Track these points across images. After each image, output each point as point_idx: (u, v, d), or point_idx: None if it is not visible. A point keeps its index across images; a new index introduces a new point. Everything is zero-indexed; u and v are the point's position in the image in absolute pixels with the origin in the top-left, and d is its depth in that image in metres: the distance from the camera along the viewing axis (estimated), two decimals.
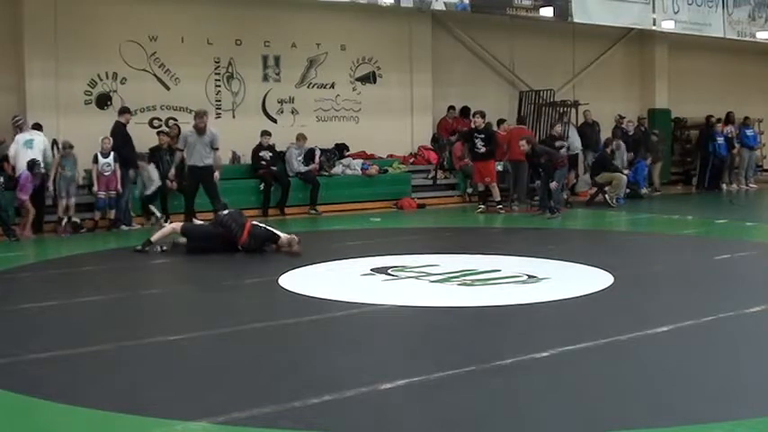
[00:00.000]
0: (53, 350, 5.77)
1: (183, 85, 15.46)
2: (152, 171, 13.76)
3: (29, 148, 12.48)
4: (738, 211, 15.99)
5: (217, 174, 12.44)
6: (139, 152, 13.72)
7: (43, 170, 12.61)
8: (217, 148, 12.56)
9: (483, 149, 15.18)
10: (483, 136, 15.23)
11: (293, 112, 16.68)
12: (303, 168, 15.63)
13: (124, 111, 13.70)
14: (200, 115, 12.68)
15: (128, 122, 13.56)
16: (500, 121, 16.80)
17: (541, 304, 7.21)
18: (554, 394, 4.75)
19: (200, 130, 12.40)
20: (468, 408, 4.50)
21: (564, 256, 9.81)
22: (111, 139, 13.27)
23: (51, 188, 12.79)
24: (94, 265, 10.23)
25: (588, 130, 18.63)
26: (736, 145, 20.18)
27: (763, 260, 9.91)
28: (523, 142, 14.73)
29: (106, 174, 13.12)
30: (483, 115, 15.49)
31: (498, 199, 15.48)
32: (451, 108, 18.15)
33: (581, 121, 18.96)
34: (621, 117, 19.24)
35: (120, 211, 13.30)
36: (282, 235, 10.43)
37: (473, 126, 15.67)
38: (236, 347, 6.04)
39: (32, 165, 12.39)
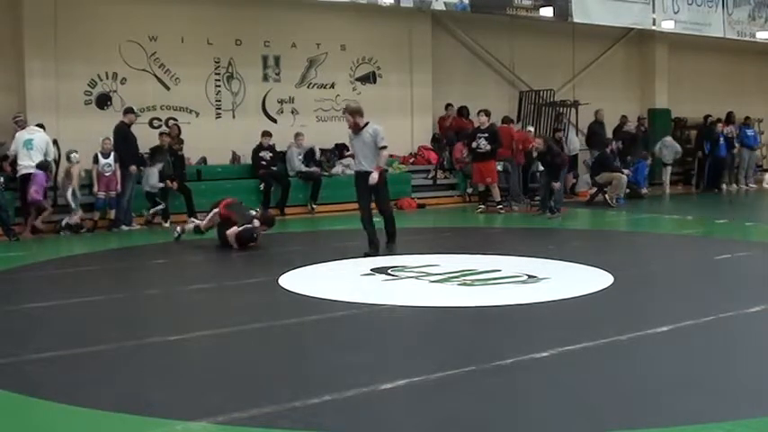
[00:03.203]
0: (53, 350, 5.76)
1: (183, 85, 15.46)
2: (151, 173, 13.74)
3: (29, 149, 12.47)
4: (738, 211, 15.99)
5: (374, 174, 10.01)
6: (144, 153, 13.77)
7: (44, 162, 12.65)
8: (383, 147, 10.16)
9: (487, 148, 15.22)
10: (487, 135, 15.27)
11: (293, 112, 16.68)
12: (304, 168, 15.63)
13: (128, 111, 13.69)
14: (346, 112, 10.55)
15: (131, 123, 13.57)
16: (505, 120, 16.97)
17: (541, 304, 7.21)
18: (554, 394, 4.75)
19: (353, 129, 10.23)
20: (468, 408, 4.50)
21: (564, 256, 9.81)
22: (111, 139, 13.29)
23: (69, 197, 12.91)
24: (94, 265, 10.23)
25: (598, 129, 18.63)
26: (737, 145, 20.19)
27: (763, 260, 9.91)
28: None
29: (107, 174, 13.14)
30: (488, 114, 15.51)
31: (498, 199, 15.49)
32: (449, 106, 18.13)
33: (581, 120, 18.99)
34: (624, 117, 19.46)
35: (120, 211, 13.31)
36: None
37: (477, 125, 15.71)
38: (237, 347, 6.04)
39: (46, 165, 12.45)
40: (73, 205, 12.89)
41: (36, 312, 7.24)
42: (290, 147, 15.78)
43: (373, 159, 10.07)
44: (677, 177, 21.62)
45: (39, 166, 12.40)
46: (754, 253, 10.25)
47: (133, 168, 13.34)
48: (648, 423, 4.20)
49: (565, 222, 13.88)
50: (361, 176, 10.14)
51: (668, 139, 19.81)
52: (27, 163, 12.46)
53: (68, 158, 13.04)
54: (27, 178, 12.43)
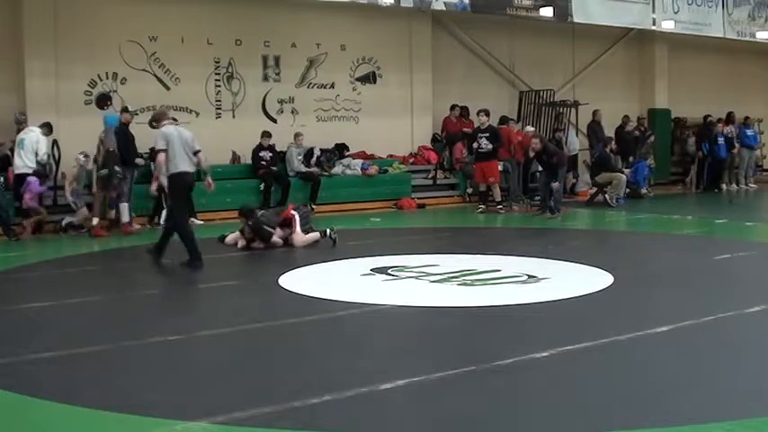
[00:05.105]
0: (53, 350, 5.76)
1: (183, 85, 15.46)
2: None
3: (21, 149, 12.57)
4: (738, 211, 15.99)
5: (153, 185, 10.04)
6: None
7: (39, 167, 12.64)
8: (160, 150, 9.48)
9: (488, 147, 15.26)
10: (488, 134, 15.30)
11: (293, 112, 16.68)
12: (304, 168, 15.64)
13: (124, 111, 13.69)
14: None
15: (128, 123, 13.56)
16: (503, 120, 16.98)
17: (541, 304, 7.21)
18: (554, 394, 4.75)
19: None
20: (469, 408, 4.50)
21: (564, 256, 9.81)
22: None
23: (69, 198, 12.87)
24: (94, 265, 10.23)
25: (598, 129, 18.65)
26: (737, 145, 20.20)
27: (763, 260, 9.91)
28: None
29: None
30: (487, 113, 15.53)
31: (499, 199, 15.50)
32: (455, 106, 18.10)
33: (581, 120, 18.99)
34: (626, 117, 19.51)
35: (119, 211, 13.27)
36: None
37: (478, 125, 15.74)
38: (236, 347, 6.04)
39: (41, 170, 12.49)
40: (74, 205, 12.87)
41: (36, 312, 7.24)
42: (290, 147, 15.78)
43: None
44: (677, 177, 21.64)
45: (35, 173, 12.41)
46: (754, 253, 10.25)
47: (140, 160, 13.37)
48: (648, 423, 4.20)
49: (565, 222, 13.88)
50: None
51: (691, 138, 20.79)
52: (19, 163, 12.56)
53: (77, 158, 13.05)
54: (21, 178, 12.46)
